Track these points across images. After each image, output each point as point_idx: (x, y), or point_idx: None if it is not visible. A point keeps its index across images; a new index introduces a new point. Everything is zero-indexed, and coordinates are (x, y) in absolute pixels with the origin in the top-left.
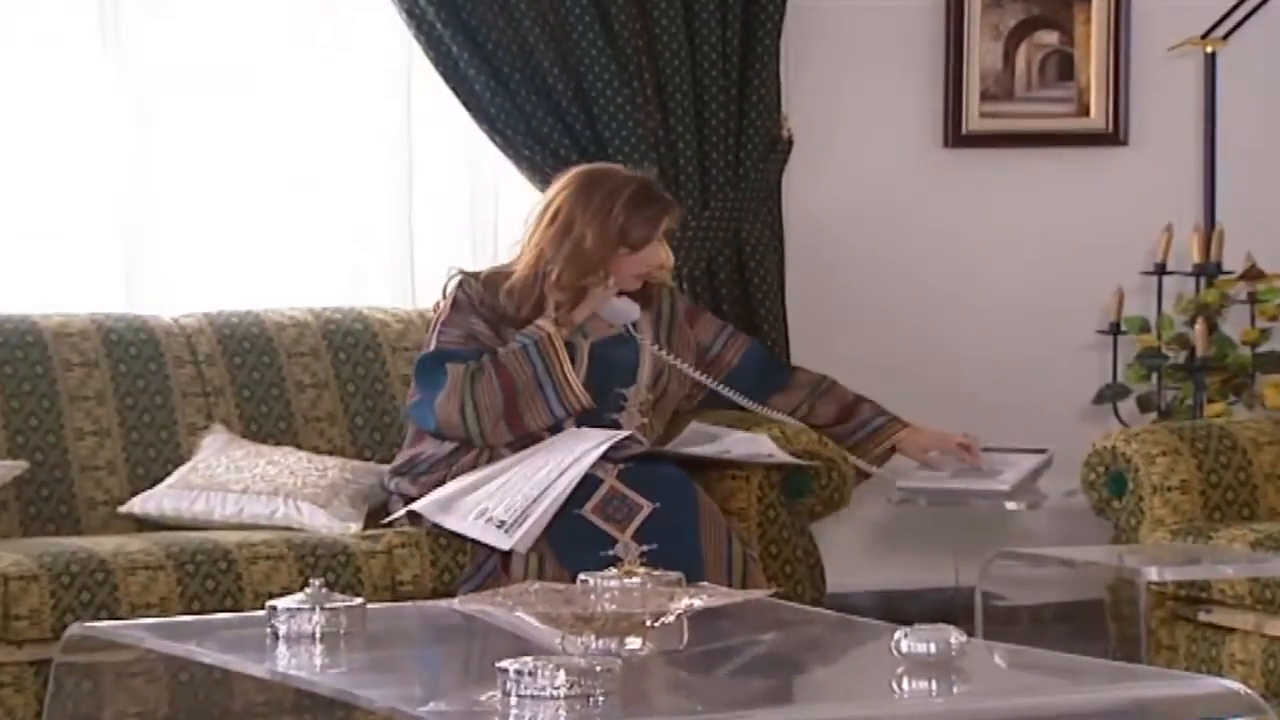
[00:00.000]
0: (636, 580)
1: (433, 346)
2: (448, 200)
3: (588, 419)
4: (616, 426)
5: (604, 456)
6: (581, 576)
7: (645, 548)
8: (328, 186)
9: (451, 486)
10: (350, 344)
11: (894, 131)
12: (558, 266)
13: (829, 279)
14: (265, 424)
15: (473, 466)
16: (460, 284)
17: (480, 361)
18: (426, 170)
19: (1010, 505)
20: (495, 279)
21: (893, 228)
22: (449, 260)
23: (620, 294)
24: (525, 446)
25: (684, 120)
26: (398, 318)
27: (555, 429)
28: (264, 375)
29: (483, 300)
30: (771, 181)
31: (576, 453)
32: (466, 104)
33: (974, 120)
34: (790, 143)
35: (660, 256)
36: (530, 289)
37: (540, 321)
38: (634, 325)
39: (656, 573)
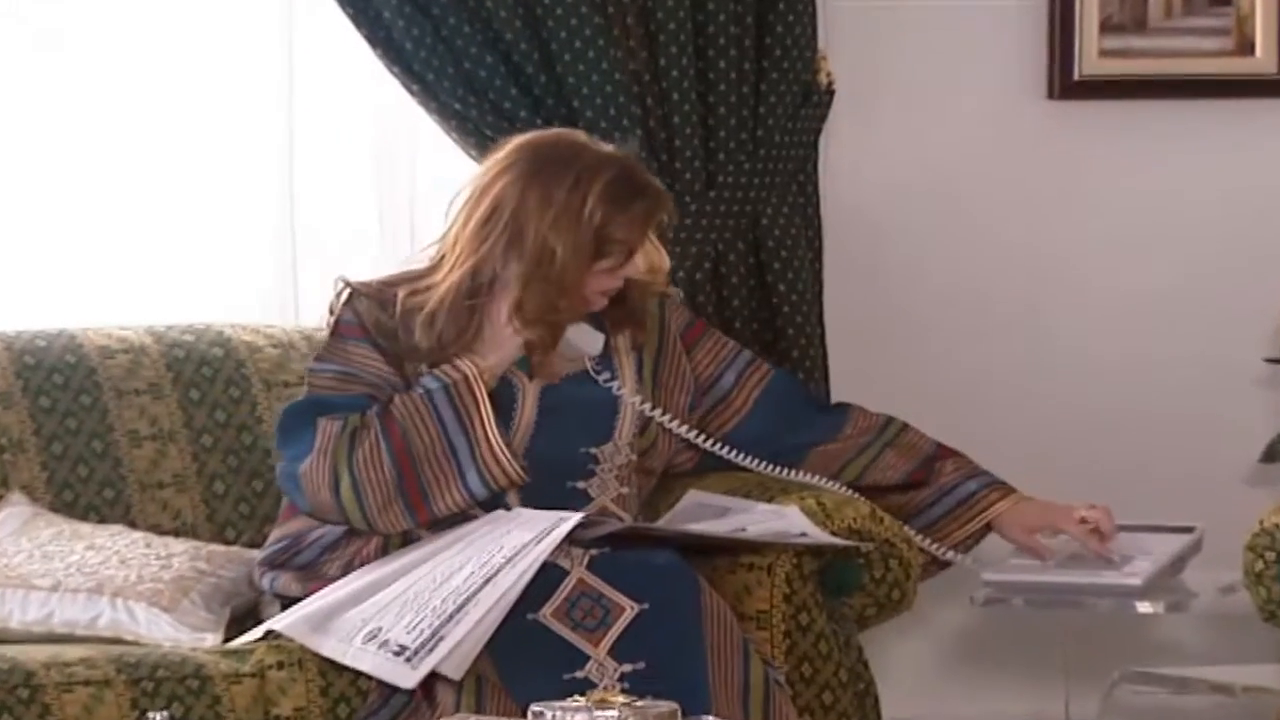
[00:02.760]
0: (612, 713)
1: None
2: (344, 174)
3: (540, 489)
4: (581, 498)
5: (567, 537)
6: (534, 708)
7: (628, 667)
8: (171, 157)
9: (330, 594)
10: (206, 377)
11: (978, 77)
12: (517, 290)
13: (884, 283)
14: (84, 492)
15: (381, 553)
16: (348, 300)
17: (365, 415)
18: (313, 131)
19: (1143, 607)
20: (388, 291)
21: (976, 211)
22: (347, 259)
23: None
24: (443, 529)
25: (679, 62)
26: (273, 340)
27: (490, 506)
28: (82, 422)
29: (378, 323)
30: (804, 148)
31: (509, 548)
32: (370, 38)
33: (1091, 61)
34: (831, 93)
35: (640, 268)
36: (462, 315)
37: (459, 361)
38: (597, 360)
39: (641, 703)
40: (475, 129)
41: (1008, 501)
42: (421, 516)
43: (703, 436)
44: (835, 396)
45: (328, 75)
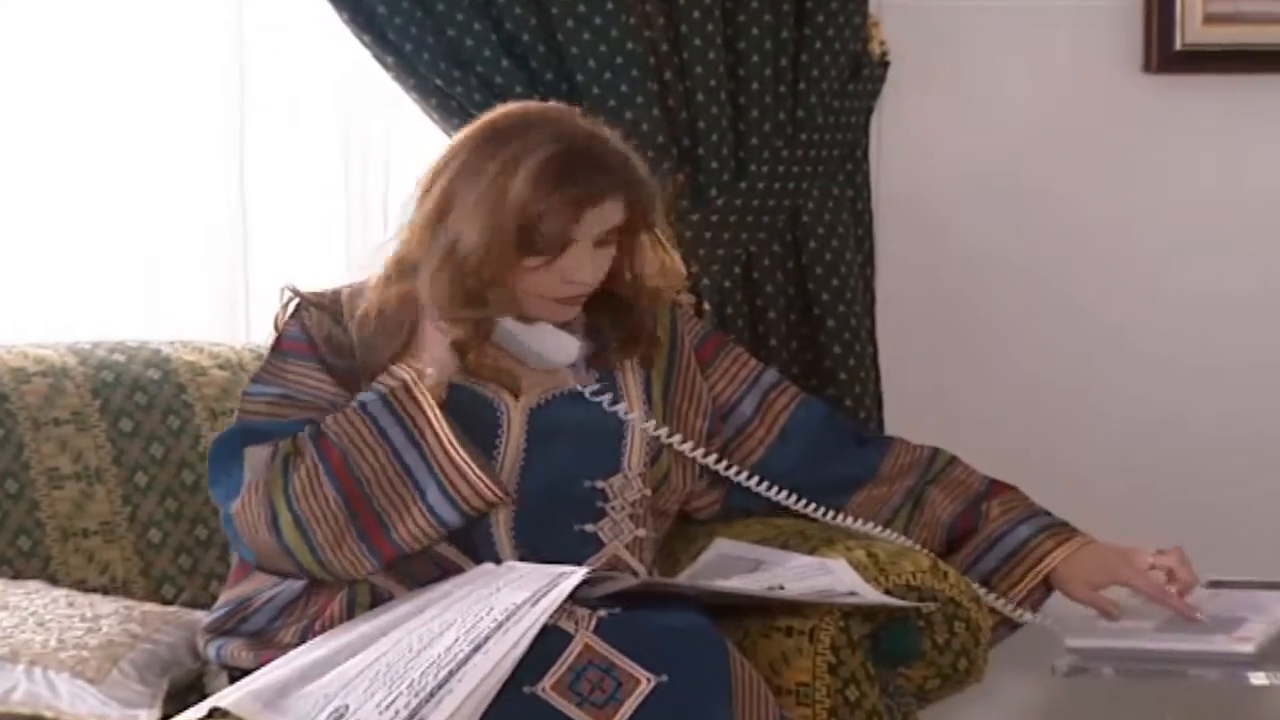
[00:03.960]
0: None
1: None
2: (305, 163)
3: (540, 533)
4: (591, 543)
5: (570, 595)
6: None
7: None
8: (99, 143)
9: (286, 665)
10: (140, 405)
11: (1060, 47)
12: (426, 280)
13: (946, 289)
14: None
15: (346, 615)
16: (295, 311)
17: (296, 438)
18: (268, 110)
19: (1257, 678)
20: (342, 302)
21: (1056, 204)
22: (308, 266)
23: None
24: (425, 581)
25: (704, 29)
26: (220, 360)
27: (477, 554)
28: None
29: (330, 337)
30: (852, 130)
31: (500, 609)
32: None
33: (1195, 28)
34: (885, 65)
35: (587, 267)
36: (395, 316)
37: (395, 368)
38: (597, 375)
39: None
40: (460, 108)
41: (1066, 548)
42: (384, 551)
43: (733, 468)
44: (889, 423)
45: (285, 43)
